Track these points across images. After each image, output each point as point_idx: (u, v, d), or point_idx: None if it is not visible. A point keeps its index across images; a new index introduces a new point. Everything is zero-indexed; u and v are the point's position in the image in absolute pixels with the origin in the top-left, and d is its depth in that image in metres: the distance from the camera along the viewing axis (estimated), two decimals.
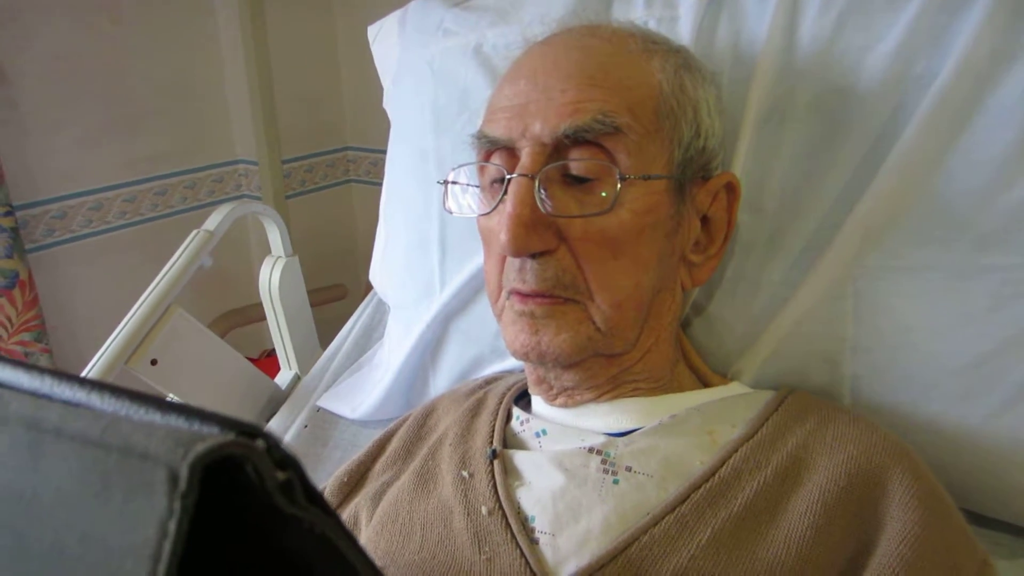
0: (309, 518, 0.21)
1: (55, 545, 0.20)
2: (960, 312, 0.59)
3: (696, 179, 0.60)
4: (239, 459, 0.20)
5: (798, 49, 0.64)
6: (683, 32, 0.68)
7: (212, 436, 0.19)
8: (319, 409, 0.94)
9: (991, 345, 0.58)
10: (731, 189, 0.63)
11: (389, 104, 0.95)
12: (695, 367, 0.66)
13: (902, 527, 0.49)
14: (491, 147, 0.59)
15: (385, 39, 0.95)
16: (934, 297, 0.60)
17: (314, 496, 0.22)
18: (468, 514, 0.56)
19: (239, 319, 1.74)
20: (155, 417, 0.21)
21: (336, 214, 2.13)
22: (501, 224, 0.55)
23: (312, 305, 1.13)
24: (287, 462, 0.21)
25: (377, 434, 0.72)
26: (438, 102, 0.82)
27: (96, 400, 0.23)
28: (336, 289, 1.89)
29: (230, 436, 0.19)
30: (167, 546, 0.18)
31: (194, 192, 1.87)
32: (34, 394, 0.24)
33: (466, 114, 0.79)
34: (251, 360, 1.10)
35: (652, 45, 0.60)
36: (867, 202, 0.61)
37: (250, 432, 0.20)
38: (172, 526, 0.18)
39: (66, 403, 0.23)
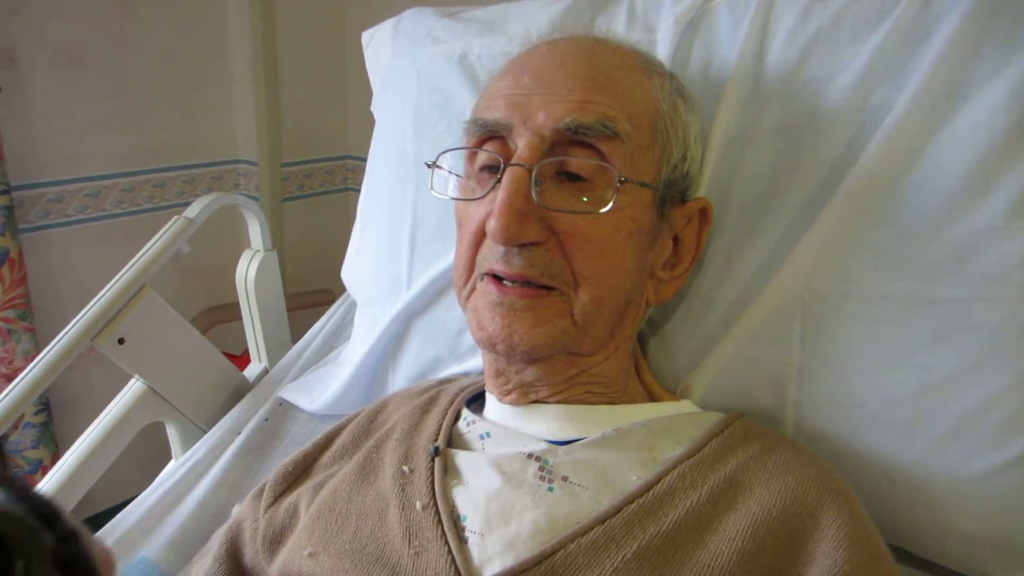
0: None
1: None
2: (905, 342, 0.58)
3: (676, 201, 0.62)
4: (11, 549, 0.16)
5: (765, 76, 0.65)
6: (661, 54, 0.70)
7: None
8: (281, 403, 0.94)
9: (933, 377, 0.57)
10: (704, 214, 0.64)
11: (376, 107, 0.96)
12: (646, 382, 0.66)
13: (831, 565, 0.48)
14: (485, 133, 0.60)
15: (378, 45, 0.97)
16: (881, 325, 0.59)
17: None
18: (403, 508, 0.56)
19: (223, 315, 1.74)
20: None
21: (331, 221, 2.13)
22: (492, 212, 0.55)
23: (297, 308, 1.14)
24: (77, 562, 0.17)
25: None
26: (421, 106, 0.84)
27: None
28: (322, 294, 1.88)
29: (14, 511, 0.16)
30: None
31: (192, 188, 1.88)
32: None
33: (446, 120, 0.80)
34: (232, 357, 1.11)
35: (652, 66, 0.62)
36: (821, 225, 0.61)
37: (47, 514, 0.16)
38: None
39: None
